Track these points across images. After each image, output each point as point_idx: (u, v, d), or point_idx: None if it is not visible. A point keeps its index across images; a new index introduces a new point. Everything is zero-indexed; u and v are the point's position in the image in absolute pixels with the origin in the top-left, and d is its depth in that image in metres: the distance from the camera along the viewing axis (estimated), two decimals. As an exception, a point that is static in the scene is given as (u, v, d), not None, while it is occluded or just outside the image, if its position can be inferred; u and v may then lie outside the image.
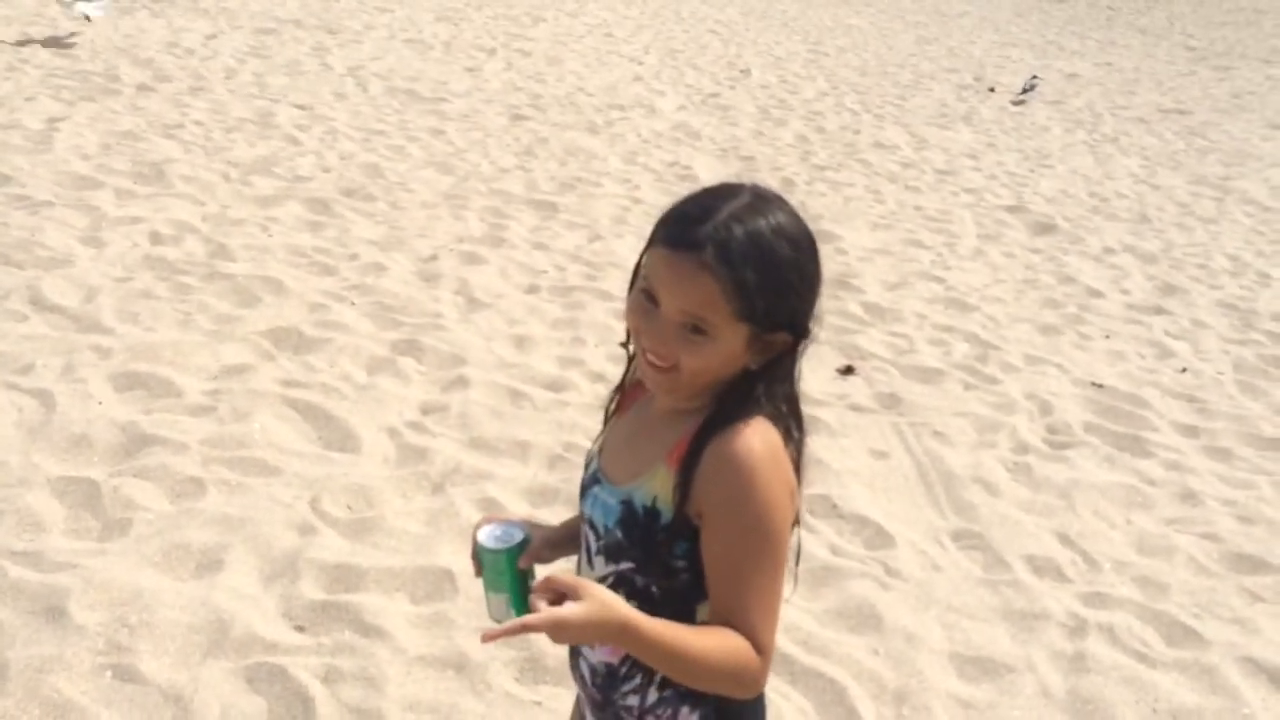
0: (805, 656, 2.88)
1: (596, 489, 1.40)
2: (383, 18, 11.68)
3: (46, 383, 3.72)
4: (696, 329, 1.25)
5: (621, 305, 5.06)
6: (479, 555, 1.36)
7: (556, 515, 3.39)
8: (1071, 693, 2.91)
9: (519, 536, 1.36)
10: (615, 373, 4.41)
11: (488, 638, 1.18)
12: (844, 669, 2.88)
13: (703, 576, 1.30)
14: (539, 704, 2.60)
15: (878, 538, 3.51)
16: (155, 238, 5.16)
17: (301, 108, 7.78)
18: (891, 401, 4.50)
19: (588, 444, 3.85)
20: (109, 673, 2.52)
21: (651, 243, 1.29)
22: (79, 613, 2.66)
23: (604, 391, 4.27)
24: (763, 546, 1.26)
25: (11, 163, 5.88)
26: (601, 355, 4.58)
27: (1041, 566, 3.47)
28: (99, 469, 3.29)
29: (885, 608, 3.14)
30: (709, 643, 1.24)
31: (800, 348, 1.32)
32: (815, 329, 1.32)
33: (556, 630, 1.16)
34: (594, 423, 4.00)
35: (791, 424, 1.33)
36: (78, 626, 2.62)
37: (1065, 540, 3.64)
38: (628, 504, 1.34)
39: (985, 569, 3.43)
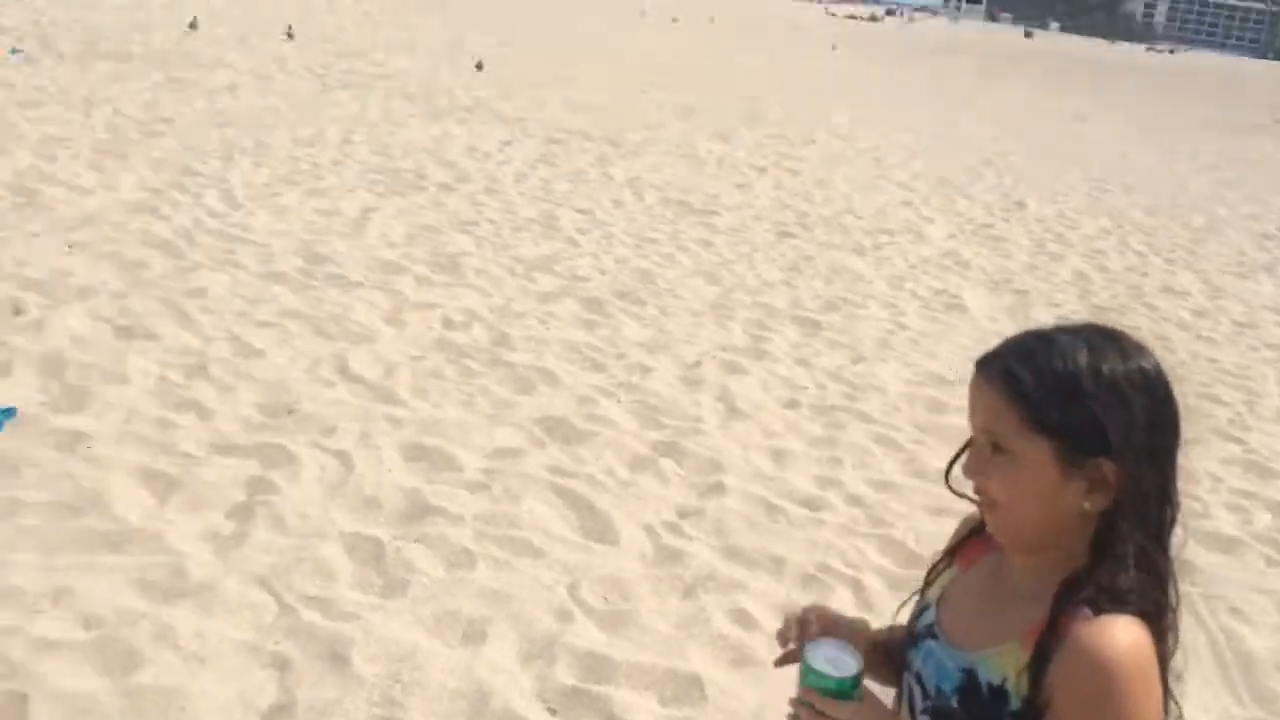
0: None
1: (932, 644, 1.32)
2: (661, 133, 12.32)
3: (346, 445, 4.06)
4: (997, 447, 1.21)
5: (881, 429, 4.98)
6: (811, 678, 1.29)
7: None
8: None
9: (854, 667, 1.29)
10: (873, 498, 4.33)
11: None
12: None
13: None
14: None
15: None
16: (447, 323, 5.58)
17: (582, 212, 8.27)
18: (1183, 569, 4.10)
19: (842, 568, 3.75)
20: (379, 725, 2.65)
21: None
22: (360, 663, 2.83)
23: (861, 516, 4.17)
24: None
25: (332, 245, 6.57)
26: (859, 479, 4.48)
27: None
28: (385, 529, 3.53)
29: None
30: None
31: (1155, 489, 1.19)
32: (1173, 476, 1.21)
33: None
34: (849, 545, 3.89)
35: (1158, 599, 1.19)
36: (357, 676, 2.78)
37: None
38: (970, 674, 1.25)
39: (1291, 770, 3.02)
